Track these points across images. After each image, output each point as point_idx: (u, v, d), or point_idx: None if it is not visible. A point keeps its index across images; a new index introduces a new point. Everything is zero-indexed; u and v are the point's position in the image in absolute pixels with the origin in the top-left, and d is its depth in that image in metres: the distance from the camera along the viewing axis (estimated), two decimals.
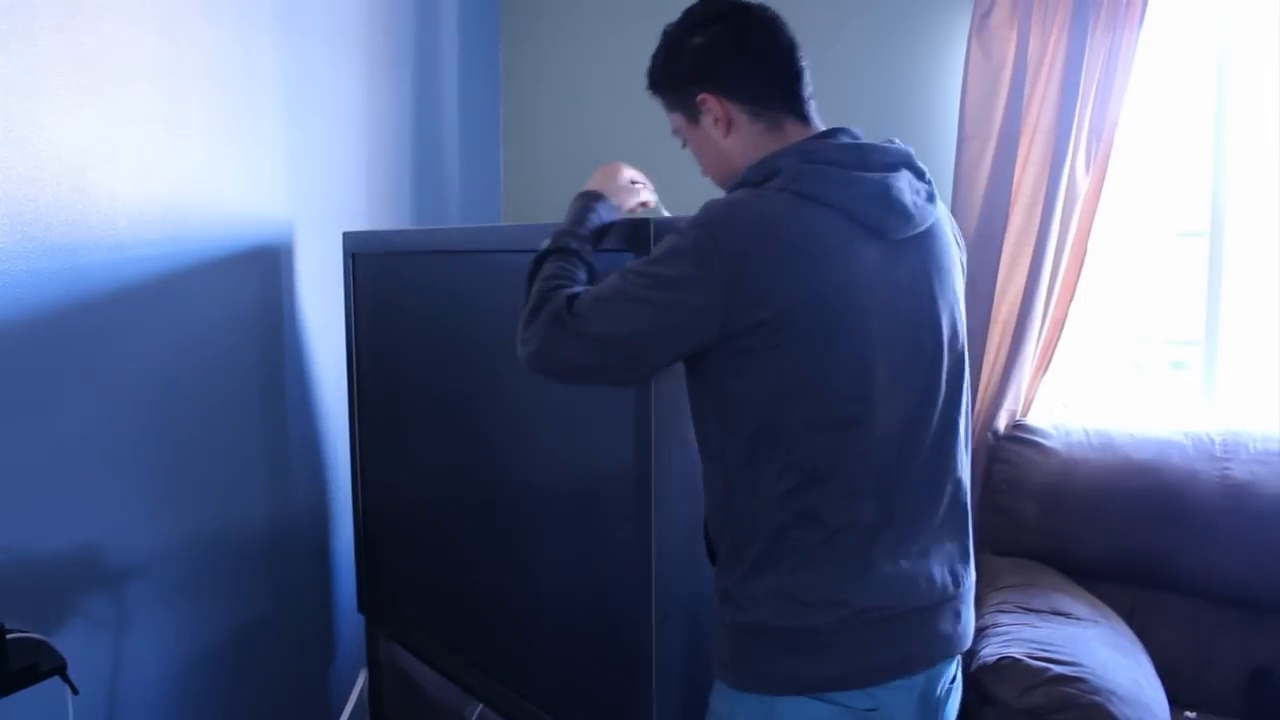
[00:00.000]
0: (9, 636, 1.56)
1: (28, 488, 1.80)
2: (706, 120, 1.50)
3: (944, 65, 2.92)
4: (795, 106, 1.50)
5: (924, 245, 1.46)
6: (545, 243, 1.55)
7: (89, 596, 1.94)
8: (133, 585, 2.05)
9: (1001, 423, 2.81)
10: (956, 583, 1.52)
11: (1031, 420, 2.78)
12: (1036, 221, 2.71)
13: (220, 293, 2.26)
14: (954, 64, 2.86)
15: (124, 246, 1.97)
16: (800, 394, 1.34)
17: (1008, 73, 2.72)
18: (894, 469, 1.40)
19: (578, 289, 1.43)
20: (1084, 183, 2.67)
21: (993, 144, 2.75)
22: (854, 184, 1.38)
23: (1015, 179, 2.73)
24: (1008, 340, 2.79)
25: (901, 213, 1.41)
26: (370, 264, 2.36)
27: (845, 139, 1.47)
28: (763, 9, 1.51)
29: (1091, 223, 2.69)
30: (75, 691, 1.63)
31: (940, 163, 2.92)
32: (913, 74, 2.97)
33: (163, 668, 2.14)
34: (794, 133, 1.48)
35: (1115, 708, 1.91)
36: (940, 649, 1.45)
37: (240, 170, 2.28)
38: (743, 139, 1.48)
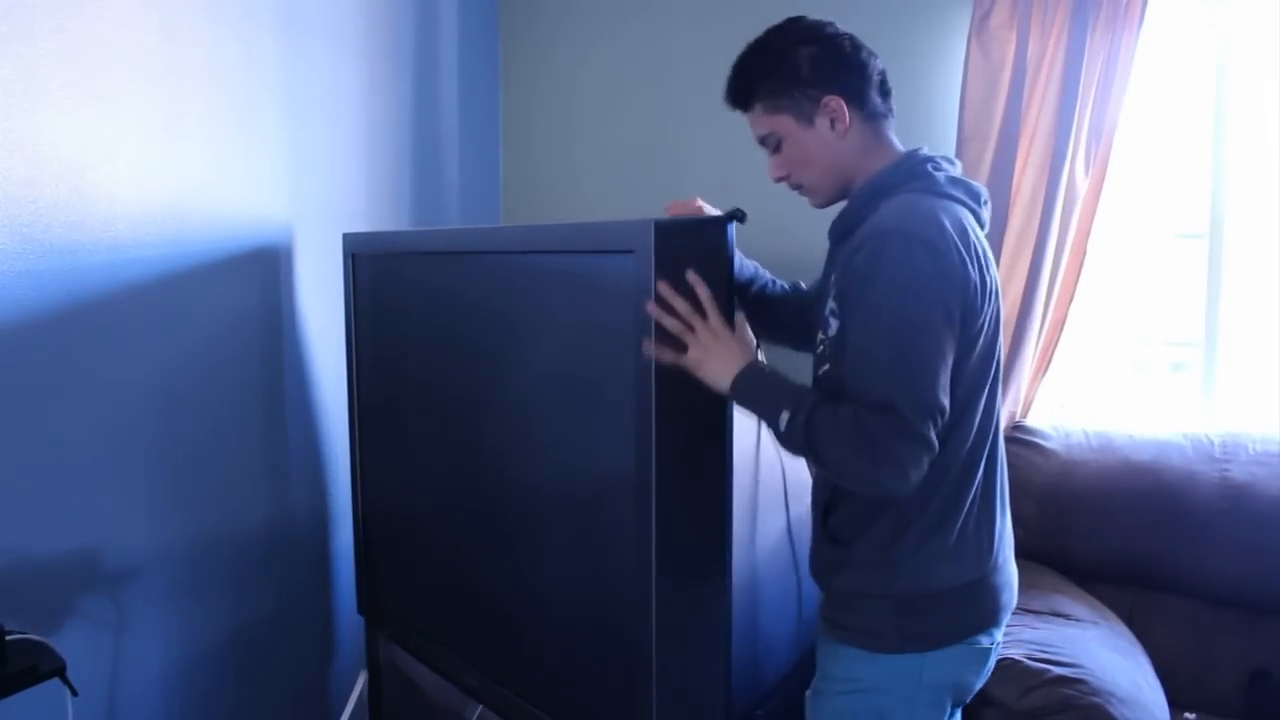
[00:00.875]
0: (8, 638, 1.55)
1: (27, 489, 1.80)
2: (823, 122, 1.61)
3: (943, 66, 2.92)
4: (891, 122, 1.67)
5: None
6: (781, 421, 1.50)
7: (89, 598, 1.94)
8: (132, 586, 2.05)
9: (1001, 424, 2.81)
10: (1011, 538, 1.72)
11: (1031, 421, 2.79)
12: (1036, 222, 2.71)
13: (220, 294, 2.25)
14: (953, 65, 2.86)
15: (123, 248, 1.97)
16: (984, 373, 1.54)
17: (1007, 74, 2.72)
18: (997, 427, 1.65)
19: (837, 407, 1.44)
20: (1083, 184, 2.67)
21: (992, 145, 2.75)
22: (966, 185, 1.60)
23: (1015, 180, 2.73)
24: (1007, 341, 2.78)
25: (987, 208, 1.65)
26: (370, 265, 2.35)
27: (927, 149, 1.65)
28: (854, 34, 1.68)
29: (1091, 224, 2.69)
30: (75, 693, 1.63)
31: None
32: (912, 75, 2.96)
33: (163, 669, 2.14)
34: (890, 144, 1.65)
35: (1115, 709, 1.91)
36: (1015, 590, 1.69)
37: (240, 171, 2.28)
38: (855, 143, 1.62)
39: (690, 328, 1.54)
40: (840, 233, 1.63)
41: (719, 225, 1.65)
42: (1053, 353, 2.80)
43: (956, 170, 1.63)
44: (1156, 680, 2.18)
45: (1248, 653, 2.44)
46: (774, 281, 1.98)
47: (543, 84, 3.40)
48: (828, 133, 1.61)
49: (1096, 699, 1.93)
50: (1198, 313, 2.83)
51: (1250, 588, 2.43)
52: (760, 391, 1.53)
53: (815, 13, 2.98)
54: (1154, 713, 2.01)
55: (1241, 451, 2.50)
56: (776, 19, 3.08)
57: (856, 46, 1.65)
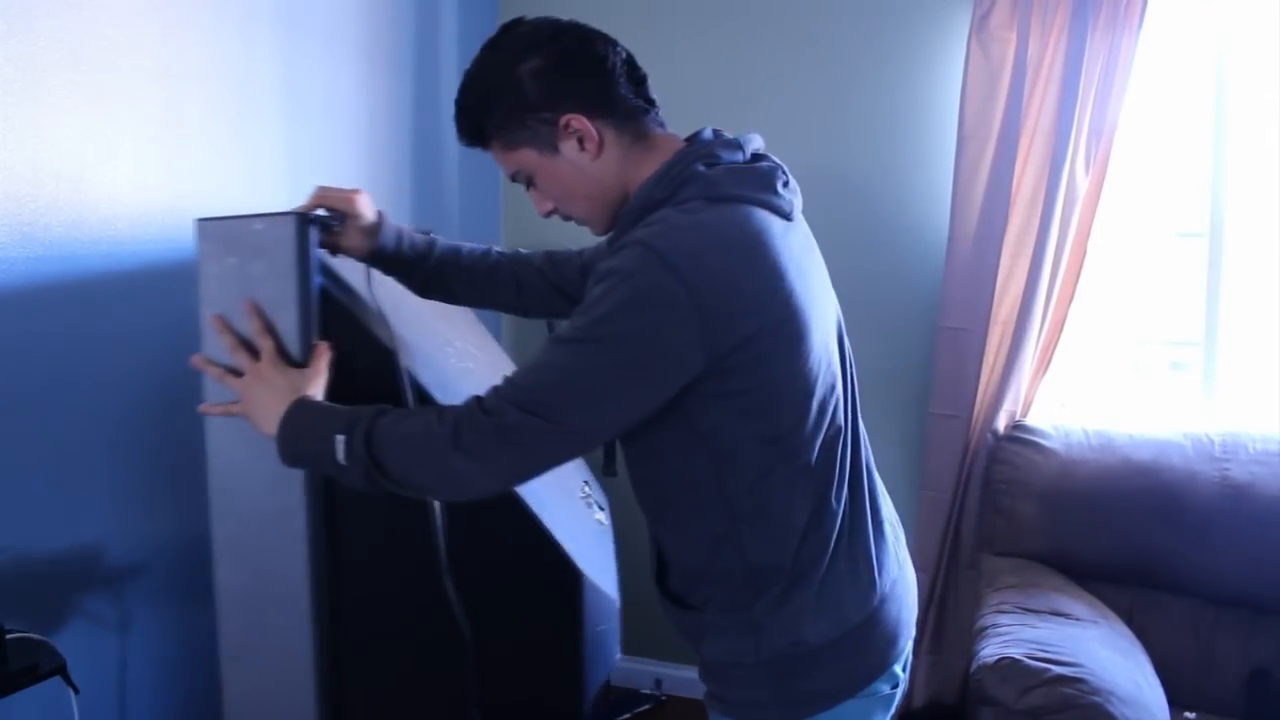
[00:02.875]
0: (9, 636, 1.55)
1: (27, 487, 1.80)
2: (569, 146, 1.35)
3: (943, 66, 2.92)
4: (653, 113, 1.41)
5: (801, 223, 1.41)
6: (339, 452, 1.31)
7: (89, 596, 1.94)
8: (133, 585, 2.04)
9: (1001, 423, 2.81)
10: (900, 532, 1.57)
11: (1031, 421, 2.79)
12: (1036, 222, 2.72)
13: None
14: (954, 65, 2.86)
15: (124, 246, 1.97)
16: (802, 399, 1.30)
17: (1007, 73, 2.72)
18: (858, 444, 1.43)
19: (447, 405, 1.31)
20: (1083, 183, 2.67)
21: (992, 144, 2.75)
22: (756, 174, 1.33)
23: (1015, 179, 2.73)
24: (1007, 341, 2.79)
25: (793, 190, 1.39)
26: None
27: (711, 134, 1.40)
28: (583, 24, 1.41)
29: (1091, 223, 2.70)
30: (76, 691, 1.63)
31: (940, 163, 2.93)
32: (912, 75, 2.97)
33: (163, 667, 2.14)
34: (663, 141, 1.39)
35: (1115, 708, 1.91)
36: (915, 598, 1.53)
37: (240, 171, 2.28)
38: (613, 156, 1.36)
39: (236, 371, 1.43)
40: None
41: (295, 224, 1.49)
42: (1053, 352, 2.80)
43: (743, 153, 1.36)
44: (1156, 679, 2.19)
45: (1248, 652, 2.44)
46: (459, 246, 1.75)
47: None
48: (578, 156, 1.35)
49: (1096, 698, 1.93)
50: (1198, 312, 2.84)
51: (1250, 587, 2.43)
52: (309, 426, 1.35)
53: (809, 15, 3.01)
54: (1154, 712, 2.01)
55: (1241, 451, 2.50)
56: (774, 16, 3.10)
57: (588, 40, 1.39)
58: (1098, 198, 2.68)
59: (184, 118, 2.11)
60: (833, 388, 1.36)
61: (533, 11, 3.42)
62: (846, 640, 1.35)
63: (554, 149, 1.35)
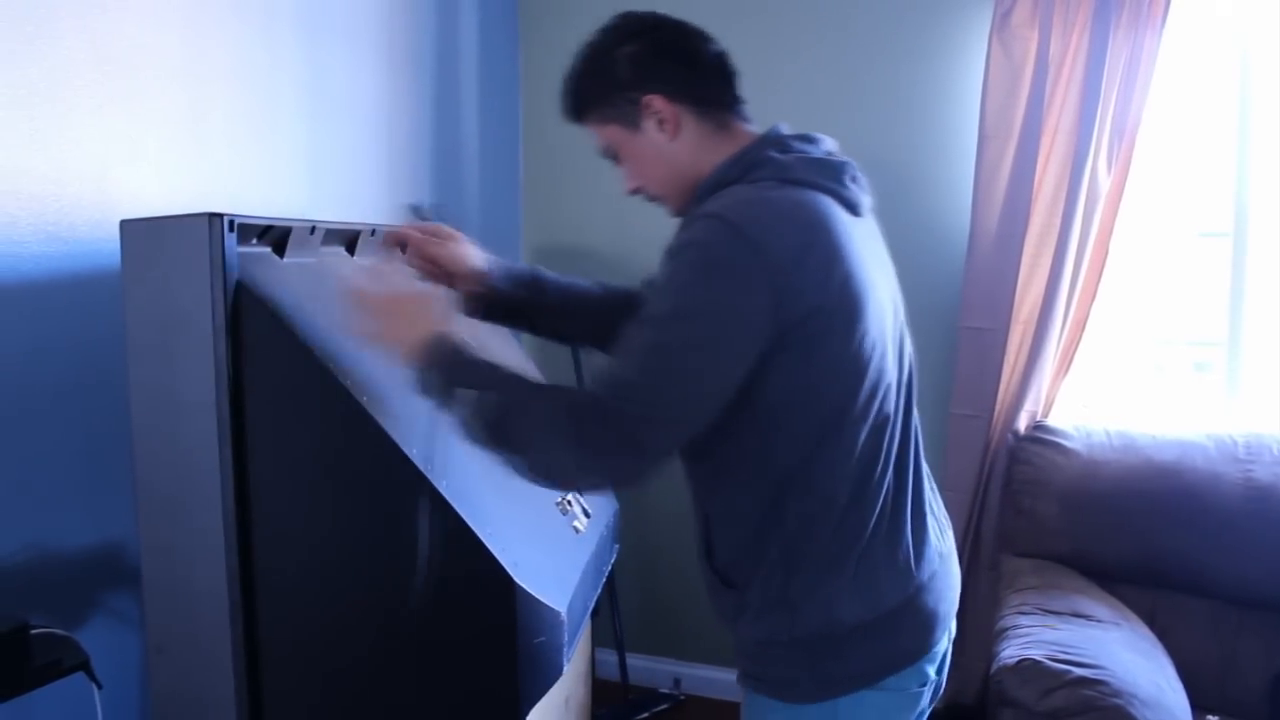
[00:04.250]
0: (33, 632, 1.57)
1: (53, 484, 1.82)
2: (650, 124, 1.46)
3: (965, 64, 2.91)
4: (737, 107, 1.50)
5: (870, 221, 1.53)
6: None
7: (113, 593, 1.95)
8: None
9: (1022, 423, 2.80)
10: (948, 528, 1.60)
11: (1052, 421, 2.78)
12: (1058, 221, 2.70)
13: None
14: (975, 63, 2.85)
15: None
16: (853, 380, 1.34)
17: (1029, 72, 2.71)
18: (908, 436, 1.47)
19: (559, 387, 1.36)
20: (1106, 182, 2.66)
21: (1014, 143, 2.74)
22: (827, 165, 1.41)
23: (1036, 178, 2.72)
24: (1028, 341, 2.78)
25: (863, 187, 1.49)
26: None
27: (787, 128, 1.48)
28: (684, 21, 1.52)
29: (1113, 222, 2.68)
30: (100, 686, 1.64)
31: (961, 162, 2.92)
32: (933, 73, 2.96)
33: None
34: (740, 132, 1.48)
35: (1136, 710, 1.90)
36: (957, 593, 1.54)
37: (261, 171, 2.29)
38: (690, 140, 1.46)
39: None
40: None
41: (207, 223, 1.50)
42: (1074, 352, 2.79)
43: (818, 149, 1.45)
44: (1179, 682, 2.17)
45: (1271, 655, 2.42)
46: (567, 281, 1.89)
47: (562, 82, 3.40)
48: (656, 135, 1.46)
49: (1118, 700, 1.92)
50: (1221, 312, 2.82)
51: (1274, 589, 2.41)
52: (441, 369, 1.41)
53: (831, 13, 3.00)
54: (1176, 715, 2.00)
55: (1266, 452, 2.49)
56: (795, 14, 3.10)
57: (685, 34, 1.49)
58: (1120, 197, 2.66)
59: (206, 118, 2.13)
60: (883, 374, 1.38)
61: (553, 10, 3.45)
62: (880, 623, 1.38)
63: (636, 126, 1.46)
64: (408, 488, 1.54)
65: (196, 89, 2.10)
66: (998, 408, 2.82)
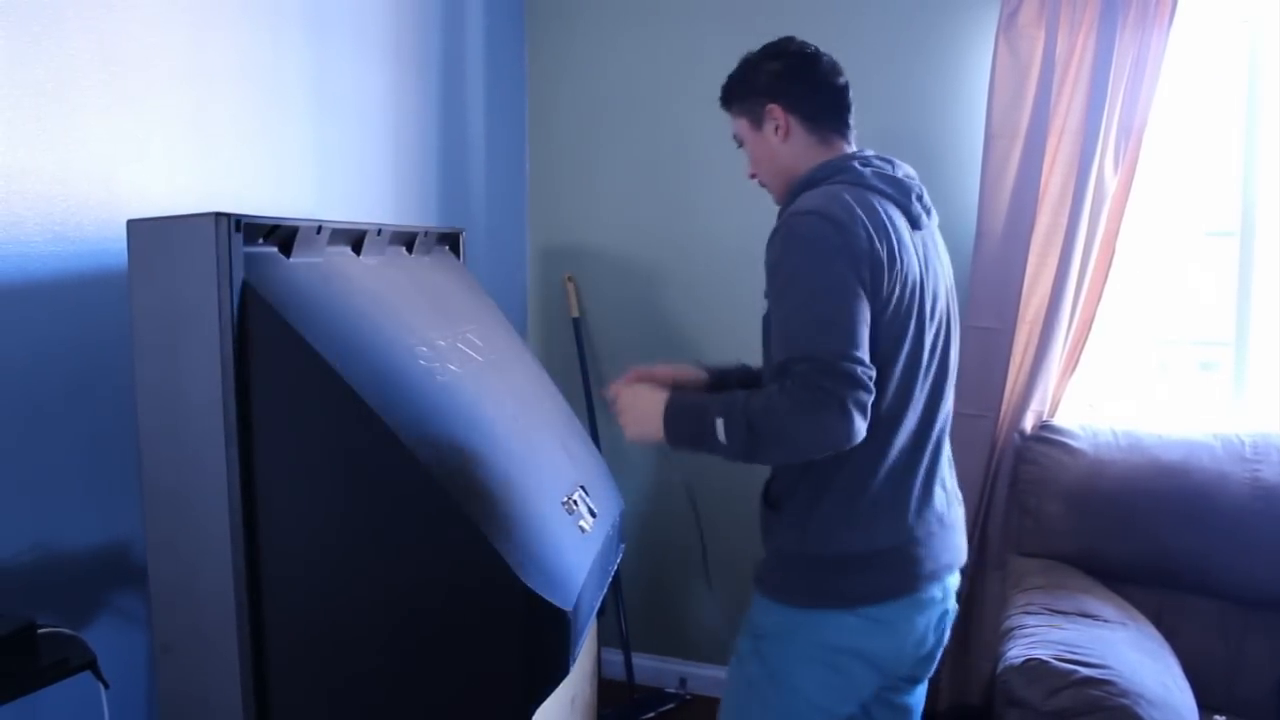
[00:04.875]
0: (40, 632, 1.57)
1: (60, 484, 1.82)
2: (768, 126, 1.83)
3: (971, 64, 2.91)
4: (842, 130, 1.85)
5: (929, 238, 1.83)
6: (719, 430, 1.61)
7: (120, 592, 1.96)
8: None
9: (1028, 423, 2.80)
10: (956, 504, 1.86)
11: (1059, 421, 2.77)
12: (1064, 220, 2.70)
13: None
14: (981, 62, 2.85)
15: None
16: (897, 343, 1.65)
17: (1035, 71, 2.70)
18: (931, 415, 1.74)
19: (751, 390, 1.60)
20: (1112, 182, 2.65)
21: (1020, 143, 2.74)
22: (897, 183, 1.77)
23: (1043, 178, 2.72)
24: (1035, 340, 2.77)
25: (927, 207, 1.85)
26: None
27: (873, 153, 1.83)
28: (829, 55, 1.87)
29: (1120, 222, 2.68)
30: (106, 685, 1.64)
31: (967, 161, 2.92)
32: (940, 72, 2.96)
33: None
34: (837, 146, 1.84)
35: (1143, 710, 1.90)
36: (954, 559, 1.79)
37: (268, 170, 2.29)
38: (796, 146, 1.82)
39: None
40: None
41: (214, 223, 1.52)
42: (1081, 352, 2.78)
43: (896, 171, 1.80)
44: (1185, 682, 2.17)
45: (1278, 655, 2.42)
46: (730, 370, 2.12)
47: (568, 83, 3.41)
48: (772, 136, 1.83)
49: (1125, 700, 1.91)
50: (1228, 311, 2.81)
51: None
52: (686, 416, 1.67)
53: (848, 11, 3.00)
54: (1183, 715, 1.99)
55: (1273, 452, 2.48)
56: (803, 14, 3.10)
57: (819, 66, 1.84)
58: (1126, 196, 2.66)
59: (213, 118, 2.13)
60: (919, 354, 1.69)
61: (559, 11, 3.46)
62: (870, 558, 1.68)
63: (759, 125, 1.85)
64: (414, 487, 1.54)
65: (203, 89, 2.10)
66: (1004, 407, 2.82)
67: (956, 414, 2.87)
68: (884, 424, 1.65)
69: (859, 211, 1.62)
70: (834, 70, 1.85)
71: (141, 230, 1.58)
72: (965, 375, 2.85)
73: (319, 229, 1.76)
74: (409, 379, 1.72)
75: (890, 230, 1.65)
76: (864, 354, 1.54)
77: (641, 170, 3.28)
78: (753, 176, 1.93)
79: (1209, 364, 2.95)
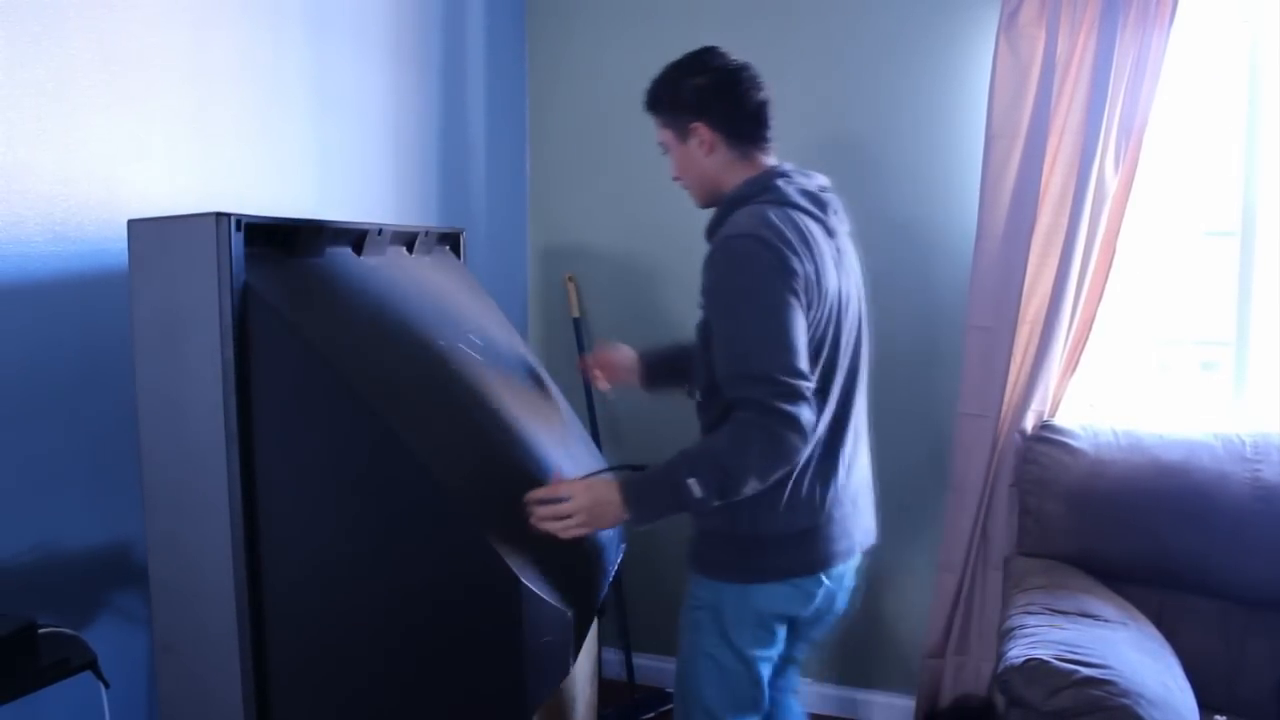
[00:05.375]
0: (41, 631, 1.57)
1: (60, 483, 1.82)
2: (693, 142, 1.95)
3: (972, 64, 2.91)
4: (763, 145, 1.97)
5: (843, 244, 2.00)
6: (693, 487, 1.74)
7: (120, 592, 1.96)
8: None
9: (1029, 423, 2.80)
10: (869, 490, 2.10)
11: (1059, 421, 2.77)
12: (1065, 220, 2.70)
13: None
14: (982, 62, 2.85)
15: None
16: (819, 349, 1.83)
17: (1036, 71, 2.70)
18: (846, 409, 1.94)
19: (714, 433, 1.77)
20: (1113, 181, 2.65)
21: (1021, 142, 2.74)
22: (815, 198, 1.93)
23: (1043, 178, 2.72)
24: (1035, 340, 2.77)
25: (842, 219, 2.01)
26: None
27: (791, 166, 1.96)
28: (751, 70, 1.95)
29: (1120, 222, 2.68)
30: (107, 685, 1.64)
31: (968, 161, 2.92)
32: (940, 72, 2.96)
33: None
34: (758, 162, 1.96)
35: (1144, 710, 1.90)
36: (864, 540, 2.04)
37: (269, 170, 2.29)
38: (719, 160, 1.95)
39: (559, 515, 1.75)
40: (709, 235, 1.94)
41: (214, 223, 1.52)
42: (1081, 351, 2.78)
43: (811, 183, 1.94)
44: (1186, 682, 2.17)
45: (1279, 655, 2.42)
46: (664, 351, 2.34)
47: (569, 82, 3.41)
48: (696, 150, 1.95)
49: (1125, 700, 1.91)
50: (1228, 311, 2.81)
51: None
52: (654, 490, 1.77)
53: (837, 12, 3.00)
54: (1183, 715, 1.99)
55: (1273, 451, 2.48)
56: (801, 17, 3.10)
57: (740, 81, 1.93)
58: (1127, 196, 2.66)
59: (214, 117, 2.13)
60: (836, 358, 1.88)
61: (559, 11, 3.46)
62: (792, 538, 1.89)
63: (685, 140, 1.96)
64: (414, 488, 1.54)
65: (204, 88, 2.10)
66: (1004, 407, 2.82)
67: (958, 414, 2.89)
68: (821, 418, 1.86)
69: (787, 232, 1.78)
70: (756, 86, 1.95)
71: (142, 230, 1.58)
72: (966, 375, 2.87)
73: (319, 229, 1.76)
74: (409, 379, 1.72)
75: (813, 246, 1.82)
76: (806, 366, 1.74)
77: (641, 170, 3.28)
78: (677, 179, 2.04)
79: (1209, 364, 2.95)
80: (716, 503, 1.75)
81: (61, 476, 1.82)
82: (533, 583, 1.58)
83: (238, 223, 1.52)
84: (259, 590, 1.60)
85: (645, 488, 1.78)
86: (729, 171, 1.94)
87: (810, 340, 1.79)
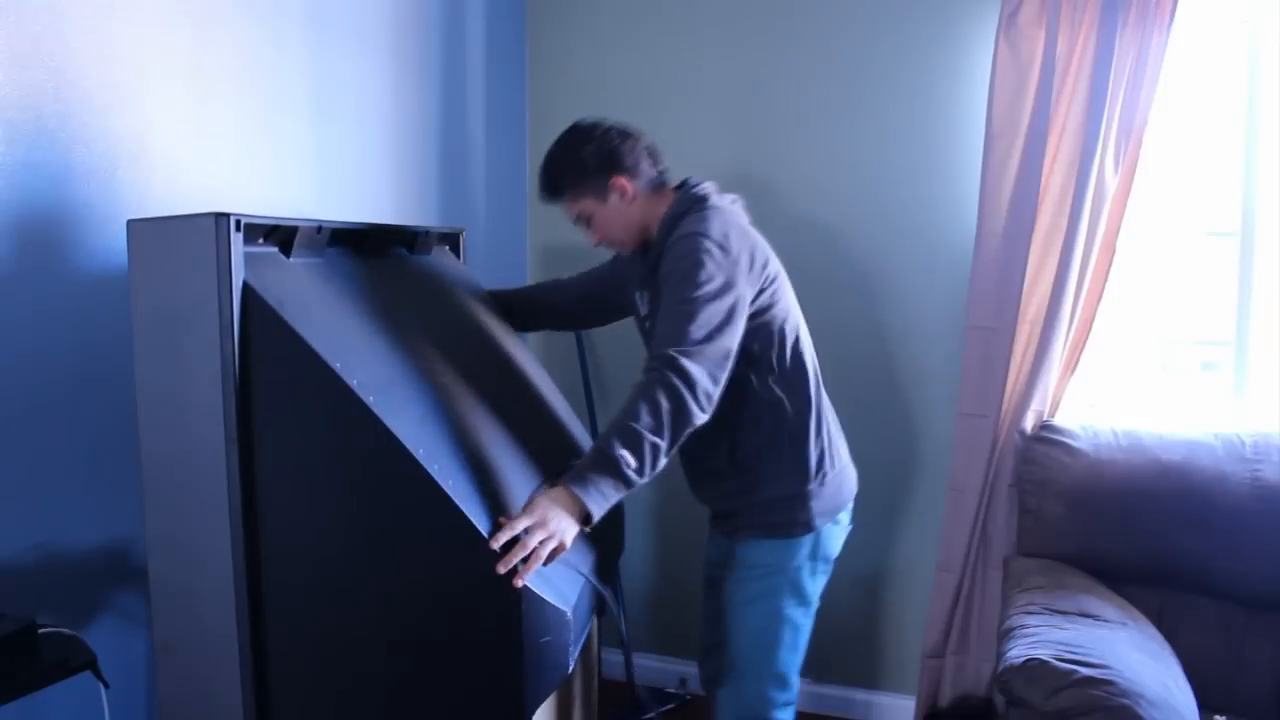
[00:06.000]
0: (41, 632, 1.57)
1: (60, 485, 1.82)
2: (614, 197, 2.09)
3: (971, 64, 2.91)
4: (663, 176, 2.16)
5: None
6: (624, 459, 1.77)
7: (120, 593, 1.96)
8: None
9: (1029, 423, 2.79)
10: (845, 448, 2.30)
11: (1059, 421, 2.77)
12: (1065, 220, 2.70)
13: None
14: (982, 62, 2.85)
15: None
16: (788, 316, 2.09)
17: (1036, 71, 2.70)
18: (817, 369, 2.19)
19: (633, 402, 1.80)
20: (1113, 181, 2.65)
21: (1020, 142, 2.74)
22: (732, 199, 2.15)
23: (1043, 177, 2.72)
24: (1035, 340, 2.77)
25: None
26: None
27: (695, 180, 2.13)
28: (617, 125, 2.13)
29: (1120, 222, 2.68)
30: (106, 685, 1.65)
31: (968, 161, 2.92)
32: (940, 72, 2.96)
33: None
34: (666, 191, 2.14)
35: (1144, 710, 1.89)
36: (854, 488, 2.27)
37: (268, 170, 2.29)
38: (640, 203, 2.11)
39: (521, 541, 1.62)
40: (655, 258, 2.06)
41: (214, 224, 1.52)
42: (1081, 351, 2.78)
43: (712, 187, 2.11)
44: (1186, 682, 2.16)
45: (1279, 655, 2.41)
46: (533, 290, 2.58)
47: (569, 83, 3.41)
48: (619, 203, 2.09)
49: (1125, 700, 1.91)
50: (1229, 311, 2.81)
51: None
52: (594, 472, 1.75)
53: (848, 11, 3.00)
54: (1184, 715, 1.99)
55: (1273, 452, 2.48)
56: (800, 17, 3.10)
57: (623, 135, 2.10)
58: (1127, 196, 2.66)
59: (214, 118, 2.13)
60: (798, 321, 2.14)
61: (559, 11, 3.45)
62: (830, 478, 2.15)
63: (604, 199, 2.10)
64: (413, 488, 1.54)
65: (204, 89, 2.10)
66: (1004, 407, 2.82)
67: (958, 414, 2.90)
68: (805, 379, 2.12)
69: (732, 228, 1.99)
70: (634, 134, 2.13)
71: (141, 230, 1.59)
72: (965, 375, 2.87)
73: (319, 229, 1.76)
74: (408, 379, 1.72)
75: (750, 233, 2.06)
76: (733, 343, 1.89)
77: None
78: (601, 243, 2.17)
79: (1210, 364, 2.95)
80: (649, 469, 1.77)
81: (61, 476, 1.82)
82: (532, 582, 1.58)
83: (237, 223, 1.52)
84: (258, 589, 1.60)
85: (585, 474, 1.74)
86: (650, 206, 2.10)
87: (777, 308, 2.05)
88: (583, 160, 2.09)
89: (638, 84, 3.29)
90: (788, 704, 2.19)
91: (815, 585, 2.17)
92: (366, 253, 1.98)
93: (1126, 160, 2.64)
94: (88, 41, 1.83)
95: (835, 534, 2.19)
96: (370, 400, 1.53)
